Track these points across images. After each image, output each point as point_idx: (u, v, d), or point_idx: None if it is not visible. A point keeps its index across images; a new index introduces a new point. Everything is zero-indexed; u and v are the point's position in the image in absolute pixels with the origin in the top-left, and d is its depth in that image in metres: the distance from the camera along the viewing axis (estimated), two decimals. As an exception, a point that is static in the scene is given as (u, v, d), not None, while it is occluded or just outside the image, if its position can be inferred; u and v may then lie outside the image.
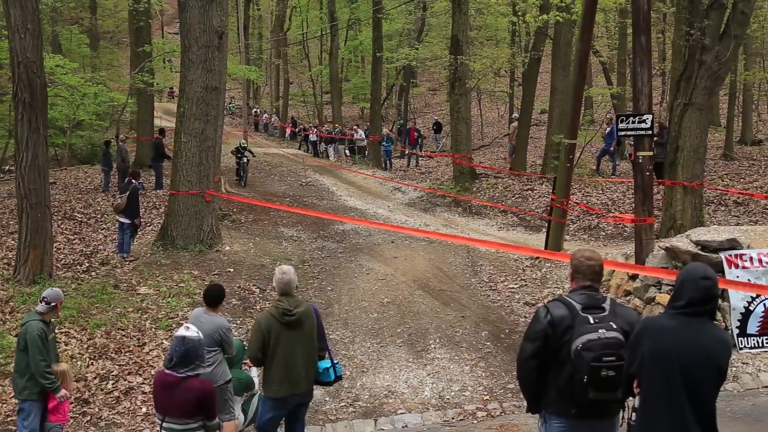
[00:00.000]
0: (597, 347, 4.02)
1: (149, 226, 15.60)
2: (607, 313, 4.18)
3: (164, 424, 4.60)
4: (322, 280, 12.23)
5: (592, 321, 4.12)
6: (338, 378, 6.28)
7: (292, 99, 46.55)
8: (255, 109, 46.23)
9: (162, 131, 22.17)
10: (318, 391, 8.57)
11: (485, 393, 8.53)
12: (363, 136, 28.98)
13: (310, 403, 8.28)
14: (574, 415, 4.21)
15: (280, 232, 15.46)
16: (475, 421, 7.88)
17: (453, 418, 8.00)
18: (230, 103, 46.13)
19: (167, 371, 4.61)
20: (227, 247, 13.35)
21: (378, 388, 8.70)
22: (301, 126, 38.05)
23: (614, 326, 4.10)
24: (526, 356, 4.29)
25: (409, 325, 10.38)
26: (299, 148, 34.16)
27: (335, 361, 6.15)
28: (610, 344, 4.04)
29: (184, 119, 13.23)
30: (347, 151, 29.63)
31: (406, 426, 7.88)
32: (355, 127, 30.89)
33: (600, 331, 4.07)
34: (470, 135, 21.96)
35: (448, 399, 8.44)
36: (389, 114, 39.74)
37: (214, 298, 6.79)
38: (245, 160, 22.10)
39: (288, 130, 39.67)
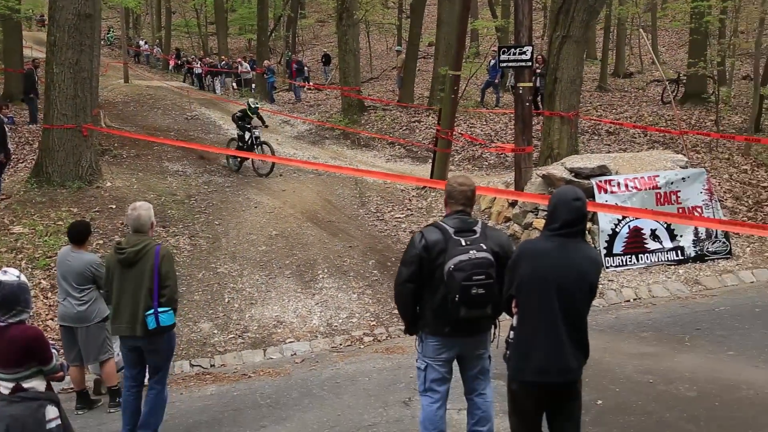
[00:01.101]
0: (468, 267, 4.22)
1: (22, 162, 14.75)
2: (478, 235, 4.37)
3: None
4: (209, 215, 12.06)
5: (463, 243, 4.30)
6: (161, 328, 5.39)
7: (176, 30, 44.42)
8: (138, 41, 43.92)
9: (35, 62, 20.71)
10: (206, 324, 8.61)
11: (372, 319, 8.81)
12: (249, 68, 28.28)
13: (198, 337, 8.37)
14: (448, 333, 4.45)
15: (164, 167, 15.02)
16: (362, 346, 8.16)
17: (341, 344, 8.25)
18: (108, 33, 43.59)
19: None
20: (108, 183, 12.86)
21: (267, 319, 8.81)
22: (184, 58, 36.60)
23: (484, 247, 4.31)
24: (403, 280, 4.46)
25: (297, 256, 10.47)
26: (184, 81, 32.94)
27: (162, 310, 5.39)
28: (479, 264, 4.25)
29: (55, 49, 12.41)
30: (234, 84, 28.87)
31: (294, 354, 8.07)
32: (239, 59, 30.06)
33: (471, 252, 4.27)
34: (359, 67, 21.88)
35: (336, 326, 8.67)
36: (277, 46, 38.79)
37: (79, 235, 6.57)
38: (257, 133, 14.88)
39: (171, 63, 38.05)
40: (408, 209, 12.37)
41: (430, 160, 13.95)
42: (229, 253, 10.58)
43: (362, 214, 12.31)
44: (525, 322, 3.98)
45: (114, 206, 11.79)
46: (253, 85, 27.96)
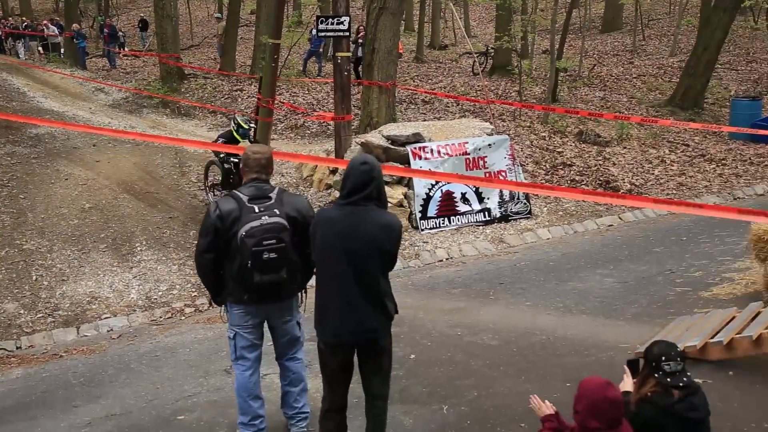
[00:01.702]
0: (258, 233, 4.32)
1: None
2: (272, 201, 4.47)
3: None
4: (13, 188, 11.22)
5: (257, 210, 4.40)
6: None
7: (-33, -14, 40.27)
8: None
9: None
10: (11, 305, 8.11)
11: (193, 290, 8.70)
12: (57, 32, 26.30)
13: (1, 318, 7.87)
14: (248, 300, 4.52)
15: (-42, 139, 13.74)
16: (183, 318, 8.06)
17: (161, 317, 8.10)
18: None
19: None
20: None
21: (80, 296, 8.43)
22: (-20, 19, 33.31)
23: (278, 212, 4.42)
24: (201, 250, 4.51)
25: (113, 229, 10.06)
26: (-20, 44, 30.00)
27: None
28: (270, 229, 4.36)
29: None
30: (41, 49, 26.72)
31: (111, 330, 7.81)
32: (45, 22, 27.84)
33: (263, 218, 4.37)
34: (178, 34, 21.12)
35: (156, 299, 8.48)
36: (89, 9, 36.30)
37: None
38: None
39: (-36, 23, 34.52)
40: (230, 179, 12.23)
41: (253, 129, 13.84)
42: (37, 228, 9.95)
43: (182, 184, 12.01)
44: (321, 286, 4.13)
45: None
46: (62, 50, 26.11)
